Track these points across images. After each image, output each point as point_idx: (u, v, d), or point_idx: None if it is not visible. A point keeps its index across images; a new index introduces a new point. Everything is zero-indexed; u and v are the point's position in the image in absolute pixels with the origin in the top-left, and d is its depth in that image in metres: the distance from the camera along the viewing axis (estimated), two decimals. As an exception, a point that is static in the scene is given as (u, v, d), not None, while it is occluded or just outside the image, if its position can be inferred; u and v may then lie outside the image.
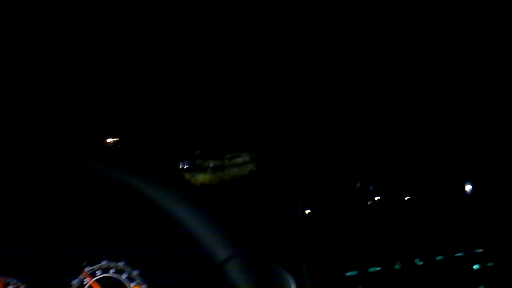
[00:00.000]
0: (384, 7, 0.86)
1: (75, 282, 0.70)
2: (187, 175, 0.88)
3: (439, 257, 0.82)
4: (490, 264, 0.84)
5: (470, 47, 0.92)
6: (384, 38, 0.90)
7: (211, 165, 0.90)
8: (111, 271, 0.71)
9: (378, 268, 0.80)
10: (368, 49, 0.91)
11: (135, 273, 0.71)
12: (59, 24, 0.79)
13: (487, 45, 0.91)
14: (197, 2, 0.82)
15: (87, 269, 0.70)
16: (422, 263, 0.81)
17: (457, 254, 0.83)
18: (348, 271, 0.78)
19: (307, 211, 0.80)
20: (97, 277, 0.70)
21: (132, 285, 0.71)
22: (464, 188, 0.87)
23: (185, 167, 0.89)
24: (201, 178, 0.89)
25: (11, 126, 0.78)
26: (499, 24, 0.89)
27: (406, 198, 0.84)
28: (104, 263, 0.71)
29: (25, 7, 0.76)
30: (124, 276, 0.71)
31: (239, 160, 0.91)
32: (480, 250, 0.84)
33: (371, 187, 0.83)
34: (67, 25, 0.80)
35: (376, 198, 0.83)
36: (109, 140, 0.86)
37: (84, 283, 0.70)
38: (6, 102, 0.80)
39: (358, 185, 0.83)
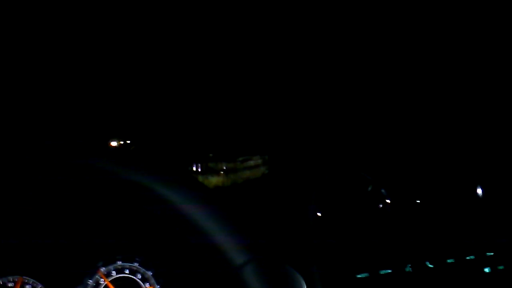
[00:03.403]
0: (388, 7, 0.86)
1: (91, 282, 0.71)
2: (200, 178, 0.89)
3: (450, 260, 0.82)
4: (500, 267, 0.84)
5: (482, 50, 0.91)
6: (398, 40, 0.90)
7: (224, 167, 0.90)
8: (126, 271, 0.72)
9: (389, 271, 0.80)
10: (380, 54, 0.91)
11: (149, 274, 0.72)
12: (69, 24, 0.80)
13: (499, 48, 0.91)
14: (209, 5, 0.82)
15: (102, 269, 0.71)
16: (432, 266, 0.81)
17: (468, 257, 0.83)
18: (359, 273, 0.79)
19: (319, 214, 0.80)
20: (112, 277, 0.72)
21: (146, 285, 0.72)
22: (475, 191, 0.87)
23: (198, 170, 0.90)
24: (214, 180, 0.90)
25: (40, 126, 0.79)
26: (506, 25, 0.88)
27: (417, 201, 0.84)
28: (119, 263, 0.72)
29: (32, 7, 0.76)
30: (138, 276, 0.72)
31: (251, 163, 0.91)
32: (491, 254, 0.84)
33: (382, 190, 0.83)
34: (79, 24, 0.80)
35: (387, 201, 0.83)
36: (125, 142, 0.87)
37: (100, 282, 0.71)
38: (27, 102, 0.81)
39: (369, 188, 0.83)
